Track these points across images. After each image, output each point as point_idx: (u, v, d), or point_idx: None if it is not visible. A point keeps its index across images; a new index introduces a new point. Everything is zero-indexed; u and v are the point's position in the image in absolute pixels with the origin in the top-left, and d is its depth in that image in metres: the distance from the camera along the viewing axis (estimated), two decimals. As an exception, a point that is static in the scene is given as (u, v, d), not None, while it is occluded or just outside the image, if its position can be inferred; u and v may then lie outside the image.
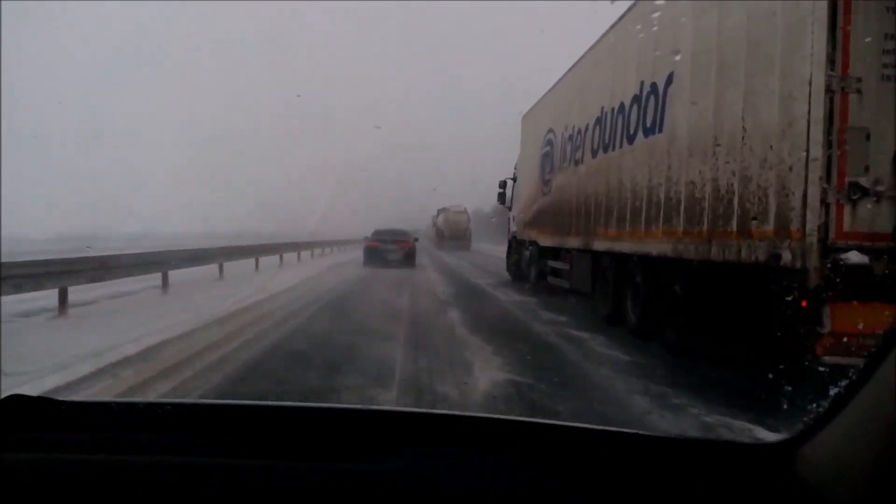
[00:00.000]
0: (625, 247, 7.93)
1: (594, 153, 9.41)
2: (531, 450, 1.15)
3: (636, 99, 7.68)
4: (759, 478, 1.05)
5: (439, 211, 49.39)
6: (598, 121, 9.22)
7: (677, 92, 6.63)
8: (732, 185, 5.43)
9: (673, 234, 6.51)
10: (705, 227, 5.86)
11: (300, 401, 3.26)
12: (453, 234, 44.41)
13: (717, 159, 5.71)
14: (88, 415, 1.28)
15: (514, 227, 16.69)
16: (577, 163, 10.43)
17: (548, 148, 12.64)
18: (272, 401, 1.54)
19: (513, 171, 17.12)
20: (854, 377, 0.96)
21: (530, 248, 14.37)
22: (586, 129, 9.89)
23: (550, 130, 12.47)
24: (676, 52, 6.67)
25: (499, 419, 1.49)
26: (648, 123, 7.31)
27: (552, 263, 12.32)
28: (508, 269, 17.63)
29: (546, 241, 12.53)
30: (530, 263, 14.40)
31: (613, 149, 8.51)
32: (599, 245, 9.02)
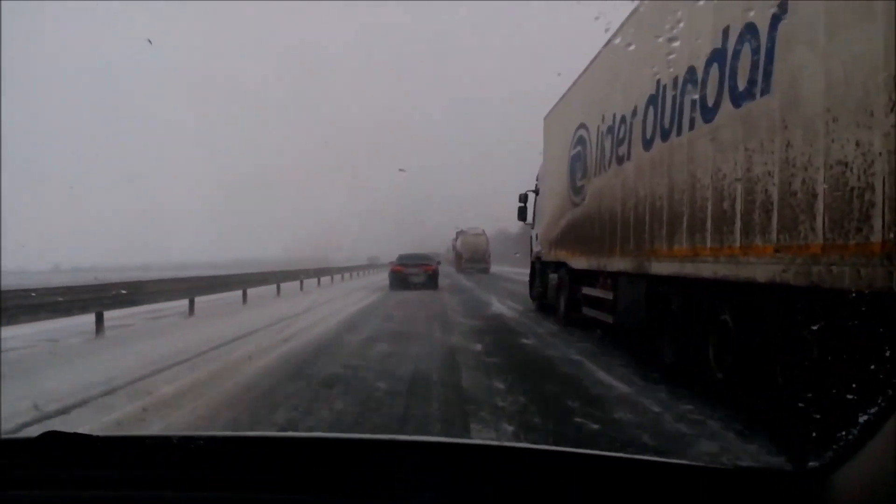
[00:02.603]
0: (704, 270, 5.47)
1: (647, 144, 6.99)
2: (556, 480, 1.12)
3: (717, 55, 5.28)
4: None
5: (458, 233, 48.17)
6: (652, 100, 6.81)
7: (796, 26, 4.22)
8: (946, 157, 2.99)
9: (802, 250, 4.05)
10: (878, 238, 3.41)
11: None
12: (472, 256, 42.97)
13: (899, 117, 3.28)
14: (122, 450, 1.28)
15: (537, 247, 14.23)
16: (620, 160, 8.00)
17: (579, 148, 10.23)
18: (302, 432, 1.64)
19: (535, 182, 14.73)
20: (883, 404, 0.96)
21: (558, 271, 11.91)
22: (633, 114, 7.47)
23: (582, 126, 10.07)
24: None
25: (520, 448, 1.51)
26: (741, 86, 4.89)
27: (588, 291, 9.84)
28: (532, 297, 15.19)
29: (579, 262, 10.06)
30: (559, 290, 11.91)
31: (679, 133, 6.08)
32: (660, 268, 6.56)
